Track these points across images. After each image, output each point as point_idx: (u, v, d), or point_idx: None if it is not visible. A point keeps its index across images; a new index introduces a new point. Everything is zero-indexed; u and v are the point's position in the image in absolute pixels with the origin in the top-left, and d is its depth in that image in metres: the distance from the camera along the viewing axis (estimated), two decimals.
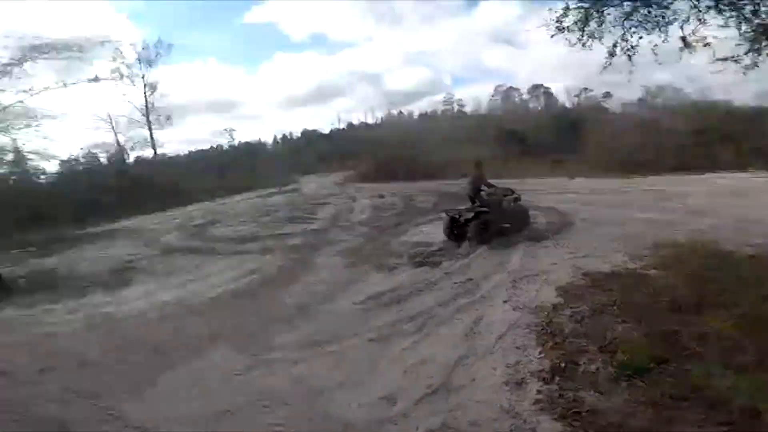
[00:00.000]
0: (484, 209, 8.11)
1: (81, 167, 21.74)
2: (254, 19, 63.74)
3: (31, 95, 9.65)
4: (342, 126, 49.39)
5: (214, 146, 40.76)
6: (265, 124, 72.56)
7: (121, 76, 24.42)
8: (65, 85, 10.83)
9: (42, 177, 19.73)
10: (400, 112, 47.51)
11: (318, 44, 64.69)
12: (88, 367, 4.30)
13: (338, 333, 4.48)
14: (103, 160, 24.18)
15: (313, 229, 11.57)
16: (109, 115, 25.37)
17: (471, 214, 8.09)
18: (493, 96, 41.83)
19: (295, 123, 74.08)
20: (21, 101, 9.93)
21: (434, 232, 9.11)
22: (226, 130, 42.13)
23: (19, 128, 11.84)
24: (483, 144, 28.13)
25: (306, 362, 3.92)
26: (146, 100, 26.64)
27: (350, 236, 10.03)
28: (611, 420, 2.51)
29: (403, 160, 32.98)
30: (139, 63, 26.47)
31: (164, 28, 56.55)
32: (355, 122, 49.90)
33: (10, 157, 16.57)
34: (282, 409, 3.19)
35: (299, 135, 49.13)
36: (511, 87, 41.20)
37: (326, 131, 49.65)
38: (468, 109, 43.40)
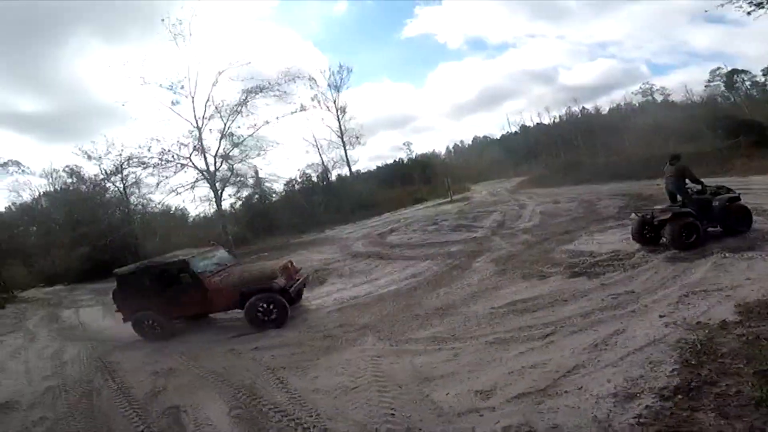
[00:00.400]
0: (687, 209, 6.95)
1: (298, 186, 27.65)
2: (411, 33, 67.48)
3: (256, 129, 13.02)
4: (514, 129, 47.28)
5: (396, 160, 45.16)
6: (438, 134, 75.73)
7: (319, 102, 30.35)
8: (278, 118, 14.02)
9: (273, 196, 26.25)
10: (583, 108, 42.14)
11: (477, 49, 64.03)
12: (283, 346, 5.93)
13: (465, 333, 4.84)
14: (314, 179, 29.92)
15: (474, 237, 11.97)
16: (315, 138, 31.44)
17: (668, 215, 6.94)
18: (710, 81, 32.77)
19: (466, 131, 75.54)
20: (251, 135, 13.19)
21: (609, 241, 8.30)
22: (405, 144, 46.44)
23: (253, 157, 15.53)
24: (699, 137, 23.10)
25: (428, 355, 4.46)
26: (339, 123, 31.84)
27: (509, 244, 10.02)
28: None
29: (588, 160, 29.72)
30: (329, 89, 31.96)
31: (340, 52, 64.85)
32: (529, 123, 47.07)
33: (251, 181, 22.50)
34: (394, 389, 3.87)
35: (470, 143, 50.24)
36: (735, 70, 31.46)
37: (497, 136, 49.08)
38: (676, 97, 35.53)
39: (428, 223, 16.72)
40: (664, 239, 6.97)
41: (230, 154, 11.79)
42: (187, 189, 11.66)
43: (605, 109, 40.51)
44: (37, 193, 25.04)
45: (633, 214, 8.00)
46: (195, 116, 11.12)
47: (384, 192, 31.23)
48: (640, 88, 37.95)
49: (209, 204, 12.95)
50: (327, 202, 24.82)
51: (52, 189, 24.63)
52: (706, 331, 3.65)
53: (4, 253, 19.95)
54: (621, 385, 3.09)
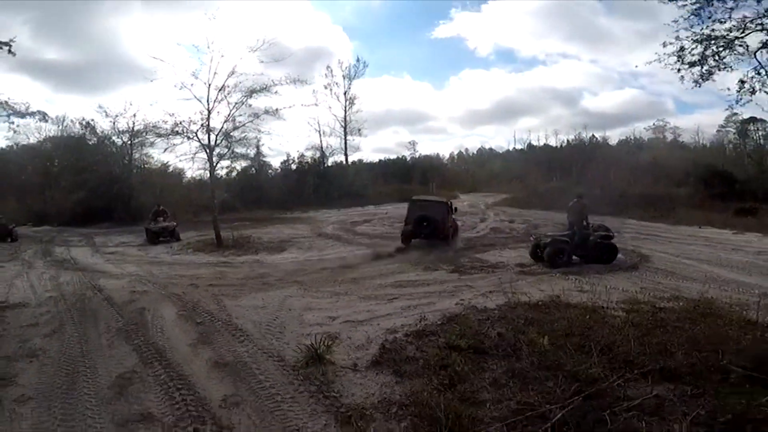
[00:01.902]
0: (564, 238, 9.06)
1: (294, 166, 29.75)
2: (443, 34, 67.45)
3: (274, 109, 14.01)
4: (521, 146, 48.49)
5: (400, 156, 46.79)
6: (448, 138, 76.81)
7: (331, 91, 32.37)
8: (276, 110, 14.27)
9: (270, 171, 28.43)
10: (593, 136, 42.96)
11: (505, 61, 64.62)
12: (231, 285, 8.03)
13: (352, 292, 6.95)
14: (310, 161, 31.89)
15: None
16: (318, 123, 33.41)
17: (548, 240, 9.13)
18: (722, 127, 32.59)
19: (476, 139, 76.58)
20: (270, 107, 13.76)
21: (511, 255, 10.26)
22: (410, 143, 48.32)
23: (251, 140, 16.77)
24: (683, 181, 24.53)
25: (321, 299, 6.65)
26: (345, 113, 33.78)
27: (440, 248, 12.04)
28: None
29: (570, 188, 31.15)
30: (344, 79, 33.90)
31: (369, 41, 65.03)
32: (537, 143, 47.92)
33: (252, 153, 24.06)
34: (286, 310, 6.05)
35: (475, 152, 51.98)
36: (752, 118, 31.31)
37: (502, 150, 50.48)
38: (687, 138, 36.61)
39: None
40: (545, 258, 9.00)
41: (231, 133, 13.74)
42: (188, 158, 13.56)
43: (614, 140, 41.25)
44: (42, 137, 26.66)
45: (531, 237, 10.10)
46: (208, 99, 13.03)
47: (376, 185, 33.13)
48: (653, 124, 39.10)
49: (205, 171, 14.86)
50: (318, 185, 26.84)
51: (61, 135, 26.33)
52: (469, 310, 5.67)
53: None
54: (395, 326, 5.14)
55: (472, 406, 3.25)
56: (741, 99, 7.63)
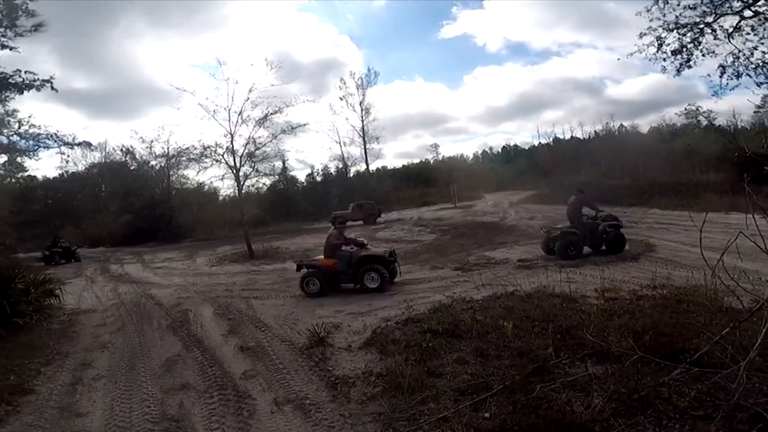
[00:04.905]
0: (573, 230, 9.53)
1: (319, 178, 31.34)
2: (450, 34, 67.39)
3: (291, 128, 15.28)
4: (547, 140, 47.50)
5: (422, 160, 47.39)
6: (470, 137, 76.30)
7: (347, 102, 33.76)
8: (293, 128, 15.32)
9: (296, 185, 30.07)
10: (621, 125, 41.82)
11: (517, 55, 63.35)
12: (260, 289, 9.18)
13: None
14: (333, 172, 33.45)
15: (435, 237, 14.78)
16: (338, 134, 34.85)
17: (558, 233, 9.60)
18: (759, 108, 30.97)
19: (499, 137, 75.23)
20: (288, 124, 15.54)
21: (519, 252, 10.87)
22: (432, 146, 48.93)
23: (272, 158, 18.04)
24: (717, 166, 23.49)
25: (335, 297, 7.68)
26: (362, 123, 35.03)
27: (454, 246, 12.78)
28: None
29: (596, 181, 30.59)
30: (357, 89, 35.21)
31: (376, 48, 67.11)
32: (563, 135, 46.74)
33: (279, 168, 25.75)
34: (300, 307, 6.92)
35: (499, 150, 51.70)
36: None
37: (528, 146, 49.71)
38: (721, 122, 34.64)
39: (417, 224, 19.61)
40: (555, 251, 9.50)
41: (254, 153, 15.16)
42: (218, 179, 15.15)
43: (645, 128, 39.93)
44: (88, 164, 29.51)
45: (542, 231, 10.55)
46: (230, 123, 14.54)
47: (400, 191, 34.06)
48: (685, 109, 37.35)
49: (234, 189, 16.41)
50: (342, 195, 28.09)
51: (104, 161, 29.13)
52: (455, 301, 6.34)
53: (58, 213, 24.12)
54: (389, 316, 5.99)
55: (434, 376, 4.03)
56: (727, 84, 7.83)
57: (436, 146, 47.87)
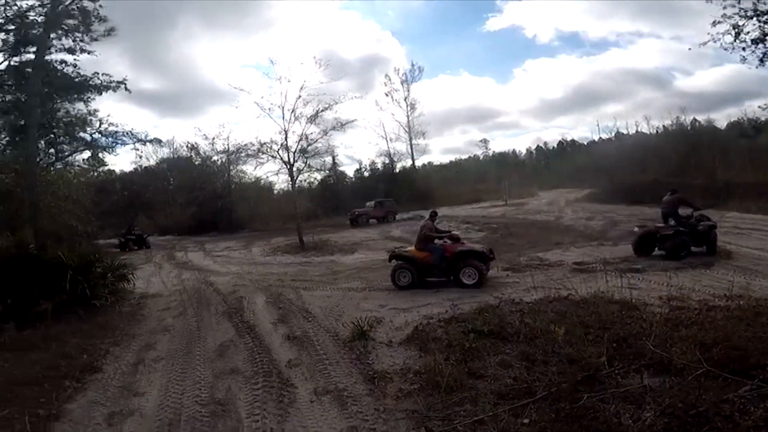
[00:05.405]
0: (683, 230, 9.04)
1: (366, 173, 31.79)
2: (496, 26, 65.84)
3: (340, 125, 15.86)
4: (607, 135, 44.35)
5: (471, 156, 46.31)
6: (522, 132, 73.50)
7: (392, 98, 33.78)
8: (343, 125, 15.90)
9: (345, 180, 30.71)
10: (694, 119, 38.04)
11: (572, 46, 60.32)
12: (309, 280, 9.48)
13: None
14: (380, 167, 33.65)
15: (483, 236, 14.42)
16: (384, 130, 34.93)
17: (671, 231, 9.10)
18: None
19: (555, 131, 71.54)
20: (337, 120, 16.08)
21: (574, 254, 10.31)
22: (481, 141, 47.58)
23: (322, 154, 18.66)
24: None
25: (380, 292, 7.79)
26: (408, 118, 34.85)
27: (506, 246, 12.36)
28: None
29: (664, 180, 28.23)
30: (402, 85, 35.06)
31: (419, 43, 66.03)
32: (626, 131, 43.72)
33: (329, 164, 26.53)
34: (346, 300, 7.23)
35: (555, 146, 49.17)
36: None
37: (586, 141, 46.82)
38: None
39: (464, 222, 19.23)
40: (663, 251, 8.97)
41: (306, 149, 15.70)
42: (273, 174, 15.91)
43: (723, 123, 36.21)
44: (158, 159, 32.20)
45: (636, 228, 9.99)
46: (283, 120, 15.19)
47: (448, 187, 33.56)
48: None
49: (288, 183, 17.12)
50: (388, 190, 28.24)
51: (172, 157, 31.68)
52: (504, 303, 6.18)
53: (132, 204, 26.56)
54: (431, 314, 5.94)
55: (474, 378, 3.94)
56: None
57: (485, 141, 46.45)
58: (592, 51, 64.39)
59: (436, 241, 8.16)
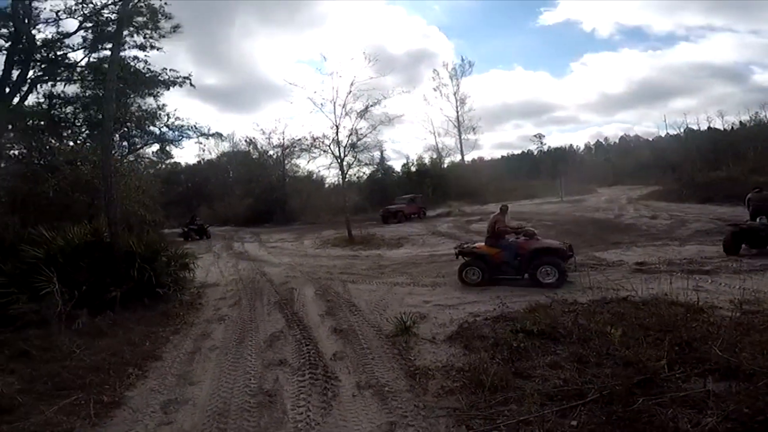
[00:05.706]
0: None
1: (413, 168, 31.52)
2: (550, 20, 63.17)
3: (389, 120, 16.08)
4: (676, 131, 40.78)
5: (525, 151, 44.56)
6: (580, 127, 69.91)
7: (440, 93, 33.19)
8: (391, 119, 16.43)
9: (393, 174, 30.75)
10: None
11: (635, 40, 56.14)
12: (356, 273, 9.63)
13: (456, 283, 7.80)
14: (427, 162, 33.20)
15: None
16: (432, 125, 34.54)
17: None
18: None
19: (616, 126, 67.30)
20: (386, 116, 16.49)
21: (637, 254, 9.63)
22: (536, 136, 45.54)
23: (371, 149, 18.83)
24: None
25: (425, 287, 7.72)
26: (457, 113, 34.14)
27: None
28: None
29: (743, 177, 25.54)
30: (451, 80, 34.30)
31: (467, 38, 65.23)
32: (697, 126, 40.20)
33: (377, 158, 26.83)
34: (390, 295, 7.30)
35: (616, 141, 45.96)
36: None
37: (652, 137, 43.43)
38: None
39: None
40: (755, 248, 8.65)
41: (356, 144, 15.97)
42: (325, 168, 16.37)
43: None
44: (219, 152, 34.02)
45: (728, 227, 9.51)
46: (335, 115, 15.53)
47: (499, 182, 32.55)
48: None
49: (338, 177, 17.53)
50: (435, 185, 27.94)
51: (232, 150, 33.40)
52: (556, 302, 5.91)
53: (195, 195, 28.20)
54: (478, 311, 5.83)
55: (521, 378, 3.82)
56: None
57: (540, 136, 44.35)
58: (657, 45, 59.92)
59: (508, 236, 7.88)
